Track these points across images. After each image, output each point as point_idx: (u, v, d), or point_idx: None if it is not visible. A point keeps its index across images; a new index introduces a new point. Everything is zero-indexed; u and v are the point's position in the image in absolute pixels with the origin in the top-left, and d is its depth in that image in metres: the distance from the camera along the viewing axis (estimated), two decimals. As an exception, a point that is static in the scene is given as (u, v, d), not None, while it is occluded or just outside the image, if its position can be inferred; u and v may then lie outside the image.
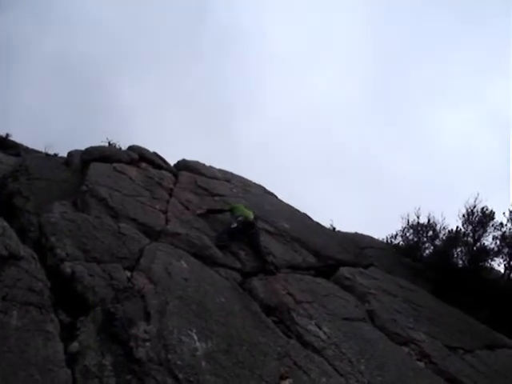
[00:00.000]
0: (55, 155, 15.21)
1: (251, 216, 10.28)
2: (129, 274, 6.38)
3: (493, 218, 12.51)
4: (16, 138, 19.26)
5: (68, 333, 5.07)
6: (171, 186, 11.46)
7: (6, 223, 6.35)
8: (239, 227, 9.69)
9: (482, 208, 12.64)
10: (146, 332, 5.03)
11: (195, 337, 5.30)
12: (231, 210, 10.39)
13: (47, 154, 15.27)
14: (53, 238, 6.60)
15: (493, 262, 12.47)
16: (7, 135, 19.12)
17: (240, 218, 9.92)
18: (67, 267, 5.99)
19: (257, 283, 7.94)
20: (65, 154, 13.65)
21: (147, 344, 4.86)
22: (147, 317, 5.33)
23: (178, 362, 4.75)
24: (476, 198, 12.67)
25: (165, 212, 9.52)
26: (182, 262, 7.26)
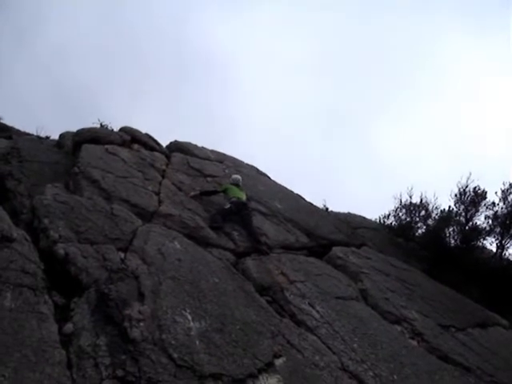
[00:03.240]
0: (47, 138, 15.05)
1: (244, 197, 10.31)
2: (122, 255, 6.38)
3: (485, 198, 12.59)
4: (7, 121, 19.05)
5: (62, 314, 5.07)
6: (164, 167, 11.41)
7: (-2, 205, 6.33)
8: (232, 208, 9.73)
9: (474, 188, 12.71)
10: (140, 312, 5.05)
11: (189, 317, 5.32)
12: (224, 191, 10.38)
13: (39, 137, 15.11)
14: (46, 220, 6.57)
15: (485, 241, 12.58)
16: (-1, 118, 18.88)
17: (233, 199, 9.94)
18: (60, 249, 5.97)
19: (250, 263, 7.97)
20: (56, 137, 13.56)
21: (141, 324, 4.87)
22: (141, 297, 5.35)
23: (172, 342, 4.78)
24: (468, 178, 12.72)
25: (157, 193, 9.50)
26: (176, 243, 7.27)
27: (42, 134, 15.74)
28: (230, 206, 9.74)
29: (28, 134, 15.99)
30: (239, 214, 9.78)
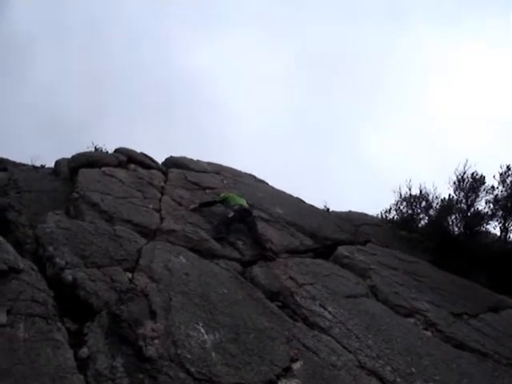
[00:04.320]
0: (42, 167, 15.07)
1: (245, 203, 10.29)
2: (130, 275, 6.38)
3: (484, 183, 12.55)
4: (0, 153, 19.08)
5: (76, 339, 5.06)
6: (162, 184, 11.44)
7: (1, 238, 6.33)
8: (236, 216, 9.67)
9: (472, 173, 12.66)
10: (153, 330, 5.06)
11: (202, 330, 5.33)
12: (224, 200, 10.33)
13: (34, 167, 15.12)
14: (50, 248, 6.57)
15: (488, 226, 12.54)
16: (-9, 152, 18.91)
17: (236, 207, 9.89)
18: (68, 275, 5.97)
19: (257, 271, 7.98)
20: (52, 166, 13.56)
21: (156, 342, 4.88)
22: (153, 315, 5.36)
23: (188, 356, 4.78)
24: (465, 165, 12.71)
25: (158, 210, 9.51)
26: (181, 258, 7.28)
27: (37, 164, 15.75)
28: (233, 214, 9.66)
29: (23, 165, 15.99)
30: (243, 221, 9.75)
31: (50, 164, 13.96)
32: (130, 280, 6.21)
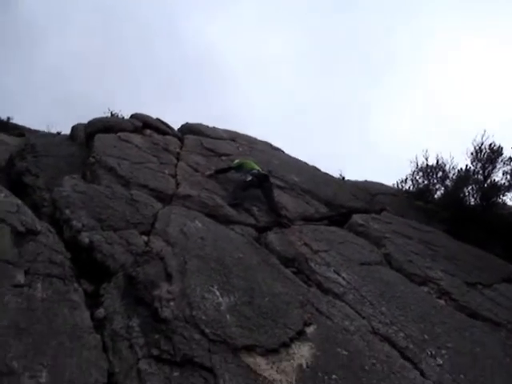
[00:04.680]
0: (58, 134, 15.15)
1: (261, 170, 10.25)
2: (146, 238, 6.44)
3: (501, 154, 12.40)
4: (17, 121, 19.22)
5: (93, 300, 5.14)
6: (178, 150, 11.45)
7: (19, 201, 6.39)
8: (254, 180, 9.67)
9: (490, 144, 12.53)
10: (169, 292, 5.11)
11: (217, 292, 5.38)
12: (239, 167, 10.29)
13: (50, 133, 15.19)
14: (67, 211, 6.63)
15: (504, 197, 12.44)
16: (9, 118, 19.07)
17: (254, 171, 9.88)
18: (85, 237, 6.03)
19: (272, 237, 8.01)
20: (67, 133, 13.62)
21: (171, 303, 4.93)
22: (168, 277, 5.40)
23: (203, 318, 4.83)
24: (483, 135, 12.57)
25: (174, 176, 9.54)
26: (197, 222, 7.32)
27: (53, 131, 15.84)
28: (251, 179, 9.65)
29: (40, 132, 16.09)
30: (261, 186, 9.73)
31: (66, 131, 14.06)
32: (146, 243, 6.27)
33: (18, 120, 19.16)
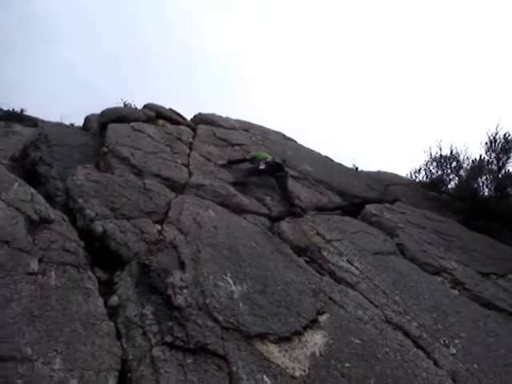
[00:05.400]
0: (71, 125, 15.21)
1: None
2: (159, 227, 6.46)
3: (516, 144, 12.31)
4: (30, 112, 19.29)
5: (106, 288, 5.18)
6: (190, 139, 11.43)
7: (33, 190, 6.42)
8: (267, 168, 9.70)
9: (505, 134, 12.40)
10: (182, 280, 5.12)
11: (230, 281, 5.39)
12: (253, 159, 10.31)
13: (64, 124, 15.25)
14: (80, 200, 6.66)
15: (519, 188, 12.33)
16: (22, 110, 19.15)
17: (268, 159, 9.93)
18: (98, 226, 6.06)
19: (285, 226, 8.01)
20: (80, 124, 13.69)
21: (185, 291, 4.95)
22: (182, 266, 5.42)
23: (217, 305, 4.85)
24: (498, 125, 12.46)
25: (187, 165, 9.54)
26: (210, 211, 7.33)
27: (66, 122, 15.90)
28: (264, 167, 9.69)
29: (52, 123, 16.15)
30: (274, 175, 9.77)
31: (79, 123, 14.12)
32: (159, 232, 6.29)
33: (31, 112, 19.23)
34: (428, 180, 13.89)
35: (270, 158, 10.14)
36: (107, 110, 11.95)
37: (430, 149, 13.97)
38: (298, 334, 4.90)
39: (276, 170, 9.79)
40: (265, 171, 9.68)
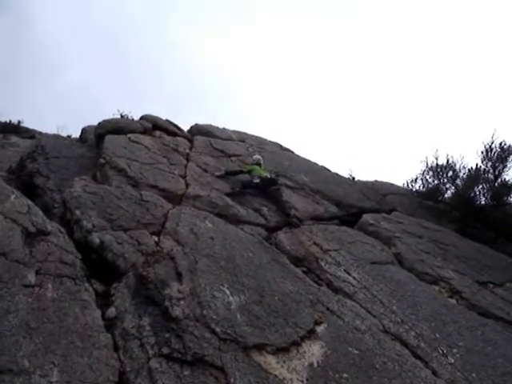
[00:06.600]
0: (68, 137, 15.25)
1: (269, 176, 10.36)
2: (156, 238, 6.47)
3: (512, 153, 12.32)
4: (28, 124, 19.34)
5: (103, 300, 5.17)
6: (187, 151, 11.46)
7: (30, 202, 6.44)
8: (259, 184, 9.85)
9: (500, 143, 12.39)
10: (179, 291, 5.12)
11: (227, 291, 5.39)
12: (249, 172, 10.41)
13: (60, 136, 15.29)
14: (77, 212, 6.65)
15: (515, 197, 12.33)
16: (19, 122, 19.19)
17: (262, 176, 10.09)
18: (95, 238, 6.06)
19: (282, 236, 8.02)
20: (77, 136, 13.70)
21: (182, 302, 4.94)
22: (179, 277, 5.42)
23: (214, 317, 4.85)
24: (493, 134, 12.48)
25: (184, 177, 9.56)
26: (207, 222, 7.34)
27: (63, 134, 15.94)
28: (258, 182, 9.90)
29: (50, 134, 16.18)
30: (266, 190, 9.91)
31: (76, 134, 14.13)
32: (157, 243, 6.30)
33: (28, 123, 19.27)
34: (424, 189, 13.87)
35: (265, 174, 10.27)
36: (104, 121, 11.96)
37: (426, 158, 13.97)
38: (296, 344, 4.89)
39: (270, 185, 10.04)
40: (258, 186, 9.89)
